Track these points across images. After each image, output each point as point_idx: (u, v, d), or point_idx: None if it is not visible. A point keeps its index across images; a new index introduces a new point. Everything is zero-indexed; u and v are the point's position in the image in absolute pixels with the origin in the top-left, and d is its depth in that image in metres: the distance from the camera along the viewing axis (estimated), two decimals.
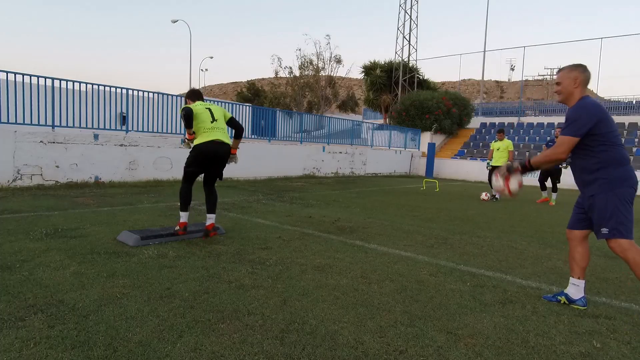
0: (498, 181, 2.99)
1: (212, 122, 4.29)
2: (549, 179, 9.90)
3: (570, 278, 2.95)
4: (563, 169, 9.64)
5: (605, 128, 2.62)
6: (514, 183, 2.93)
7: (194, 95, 4.56)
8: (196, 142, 4.25)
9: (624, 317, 2.82)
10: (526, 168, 2.86)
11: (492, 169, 10.13)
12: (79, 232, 4.44)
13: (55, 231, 4.42)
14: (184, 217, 4.33)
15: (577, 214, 2.92)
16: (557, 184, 9.83)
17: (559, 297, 2.99)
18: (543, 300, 3.06)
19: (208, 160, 4.31)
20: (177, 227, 4.31)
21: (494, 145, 10.17)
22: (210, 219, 4.42)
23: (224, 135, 4.34)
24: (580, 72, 2.75)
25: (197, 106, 4.34)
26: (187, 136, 4.29)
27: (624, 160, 2.66)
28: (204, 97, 4.88)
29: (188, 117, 4.12)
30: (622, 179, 2.62)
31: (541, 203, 9.86)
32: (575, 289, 2.92)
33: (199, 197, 4.98)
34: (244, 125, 4.71)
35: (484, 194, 10.08)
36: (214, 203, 4.48)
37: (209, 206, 4.46)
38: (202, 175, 4.50)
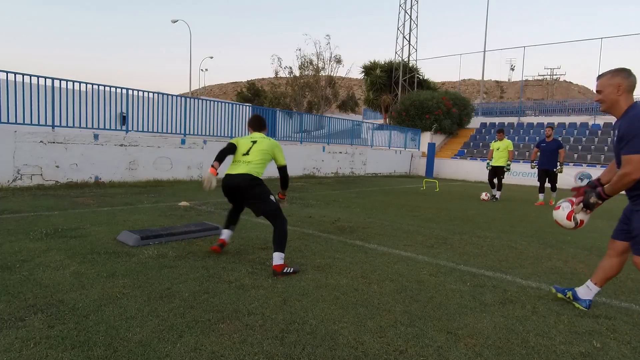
0: (560, 212, 2.79)
1: (243, 155, 3.83)
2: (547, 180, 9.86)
3: (589, 280, 2.90)
4: (559, 173, 9.54)
5: None
6: (580, 217, 2.74)
7: (252, 123, 4.10)
8: None
9: (624, 317, 2.82)
10: (603, 199, 2.59)
11: (493, 169, 10.10)
12: (79, 232, 4.44)
13: (55, 231, 4.42)
14: (223, 234, 3.98)
15: (621, 223, 2.70)
16: (556, 185, 9.78)
17: (566, 291, 2.99)
18: (543, 300, 3.06)
19: (228, 195, 3.82)
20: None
21: (494, 145, 10.14)
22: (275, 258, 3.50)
23: (246, 168, 3.75)
24: (624, 78, 2.49)
25: (242, 139, 3.93)
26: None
27: None
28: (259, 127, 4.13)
29: (221, 150, 3.73)
30: None
31: (539, 206, 9.71)
32: (587, 291, 2.88)
33: (199, 197, 4.96)
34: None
35: (484, 194, 10.06)
36: (275, 240, 3.60)
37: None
38: None
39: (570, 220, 2.75)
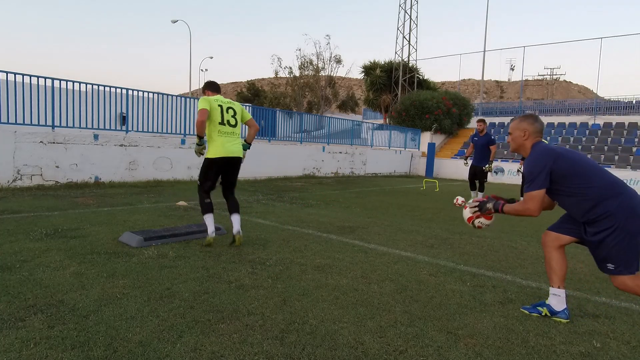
0: (466, 212, 2.95)
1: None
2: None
3: (550, 288, 2.76)
4: (487, 171, 8.71)
5: (567, 169, 2.49)
6: (478, 222, 2.91)
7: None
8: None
9: (624, 317, 2.82)
10: (497, 212, 2.79)
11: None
12: (79, 232, 4.44)
13: (55, 231, 4.42)
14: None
15: (569, 223, 2.71)
16: (484, 185, 8.95)
17: (539, 309, 2.77)
18: (543, 300, 3.06)
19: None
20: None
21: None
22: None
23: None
24: (529, 124, 2.71)
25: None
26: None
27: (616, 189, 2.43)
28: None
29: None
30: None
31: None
32: (557, 299, 2.72)
33: (197, 196, 4.94)
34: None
35: (459, 198, 8.90)
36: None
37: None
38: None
39: (470, 223, 2.96)
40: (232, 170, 4.29)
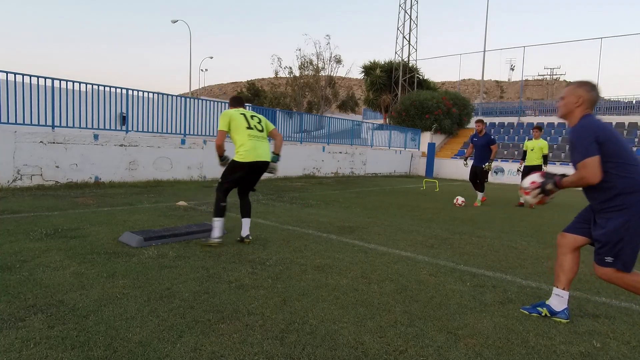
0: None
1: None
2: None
3: (554, 288, 2.73)
4: (487, 170, 8.71)
5: (612, 151, 2.40)
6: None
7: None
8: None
9: (624, 317, 2.82)
10: (558, 189, 2.67)
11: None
12: (79, 232, 4.44)
13: (55, 231, 4.42)
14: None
15: (581, 222, 2.69)
16: (484, 184, 8.98)
17: (539, 309, 2.75)
18: (543, 300, 3.06)
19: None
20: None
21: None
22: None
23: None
24: (586, 91, 2.56)
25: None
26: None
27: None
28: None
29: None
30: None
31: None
32: (559, 300, 2.70)
33: (199, 197, 4.96)
34: None
35: (459, 198, 8.79)
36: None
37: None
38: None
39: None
40: (257, 174, 4.36)
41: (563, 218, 7.61)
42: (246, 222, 4.33)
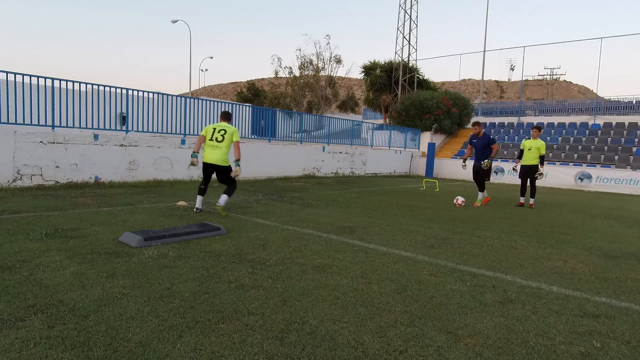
0: None
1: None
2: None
3: None
4: (484, 167, 8.64)
5: None
6: None
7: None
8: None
9: (624, 317, 2.82)
10: None
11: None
12: (79, 232, 4.44)
13: (55, 231, 4.42)
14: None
15: None
16: (484, 184, 8.97)
17: None
18: (543, 300, 3.06)
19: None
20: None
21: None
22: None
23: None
24: None
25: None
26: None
27: None
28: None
29: None
30: None
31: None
32: None
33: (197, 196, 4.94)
34: (243, 125, 5.11)
35: (459, 198, 8.75)
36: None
37: None
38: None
39: None
40: (211, 171, 5.98)
41: (563, 218, 7.61)
42: (222, 196, 5.85)
